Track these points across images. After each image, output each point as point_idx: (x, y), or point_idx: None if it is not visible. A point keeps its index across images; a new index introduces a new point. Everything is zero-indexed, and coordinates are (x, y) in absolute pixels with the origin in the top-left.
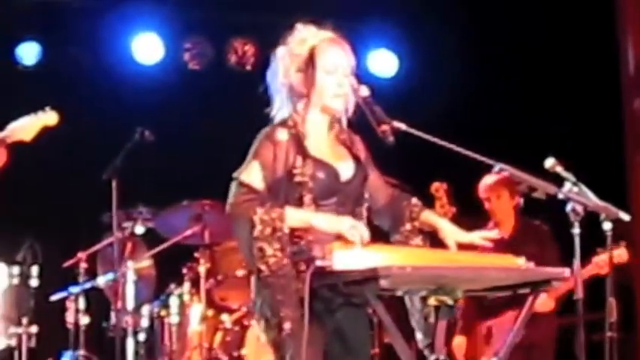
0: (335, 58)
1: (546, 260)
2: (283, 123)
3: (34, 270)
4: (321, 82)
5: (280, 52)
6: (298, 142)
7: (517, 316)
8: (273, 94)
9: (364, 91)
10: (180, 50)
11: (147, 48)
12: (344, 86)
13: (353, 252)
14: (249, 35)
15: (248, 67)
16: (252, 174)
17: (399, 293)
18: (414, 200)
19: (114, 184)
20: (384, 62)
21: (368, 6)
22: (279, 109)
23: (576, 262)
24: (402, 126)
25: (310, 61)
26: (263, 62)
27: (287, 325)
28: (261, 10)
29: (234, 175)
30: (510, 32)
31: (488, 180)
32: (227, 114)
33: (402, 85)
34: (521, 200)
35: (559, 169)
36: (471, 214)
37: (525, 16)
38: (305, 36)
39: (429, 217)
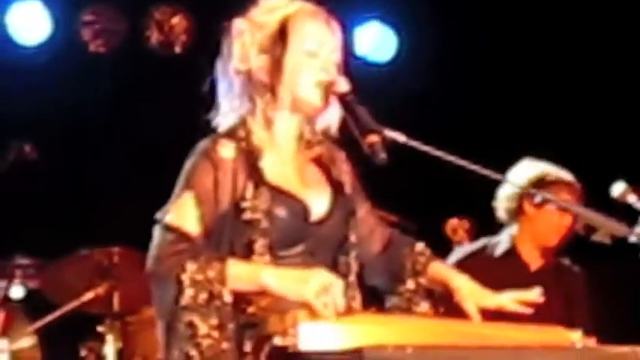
0: (319, 33)
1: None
2: (230, 133)
3: None
4: (296, 66)
5: (237, 25)
6: (250, 161)
7: None
8: (220, 91)
9: (343, 85)
10: (77, 25)
11: (28, 22)
12: (331, 73)
13: (327, 325)
14: (179, 3)
15: (177, 49)
16: (183, 213)
17: None
18: (420, 246)
19: None
20: (377, 42)
21: None
22: (228, 112)
23: None
24: (400, 137)
25: (281, 38)
26: (199, 42)
27: None
28: None
29: (158, 215)
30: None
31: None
32: (146, 116)
33: (401, 74)
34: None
35: (632, 200)
36: None
37: None
38: (275, 4)
39: (440, 270)
